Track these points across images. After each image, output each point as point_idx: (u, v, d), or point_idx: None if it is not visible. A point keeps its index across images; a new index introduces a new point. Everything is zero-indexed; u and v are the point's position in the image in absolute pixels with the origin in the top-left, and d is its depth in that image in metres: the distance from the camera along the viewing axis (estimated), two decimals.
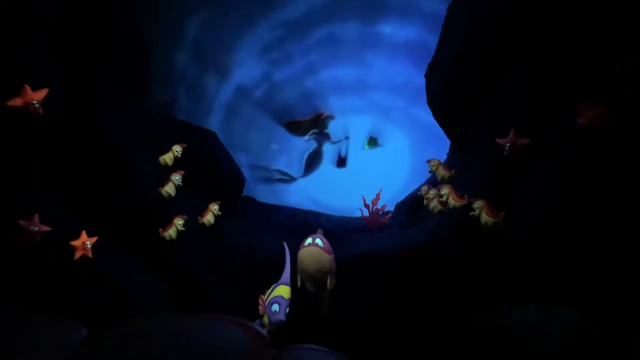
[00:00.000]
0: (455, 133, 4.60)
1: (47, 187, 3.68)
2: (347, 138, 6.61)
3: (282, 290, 3.97)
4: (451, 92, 4.22)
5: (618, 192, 3.33)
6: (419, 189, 5.02)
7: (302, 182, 6.76)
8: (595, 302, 3.60)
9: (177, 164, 4.35)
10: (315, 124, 6.31)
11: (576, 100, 3.12)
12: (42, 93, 2.96)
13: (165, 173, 4.27)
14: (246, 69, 5.62)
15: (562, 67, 3.50)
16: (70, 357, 2.32)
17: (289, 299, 3.89)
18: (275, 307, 3.79)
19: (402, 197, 5.77)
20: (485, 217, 3.60)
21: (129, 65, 4.44)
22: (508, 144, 3.41)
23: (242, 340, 2.56)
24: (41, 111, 2.94)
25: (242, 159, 5.98)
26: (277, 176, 6.71)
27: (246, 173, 5.76)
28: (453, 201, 3.97)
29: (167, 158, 4.33)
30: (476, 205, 3.67)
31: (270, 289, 4.08)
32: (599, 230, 3.42)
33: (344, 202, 6.03)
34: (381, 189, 5.39)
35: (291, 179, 6.70)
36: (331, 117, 6.34)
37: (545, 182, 3.73)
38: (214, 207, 4.58)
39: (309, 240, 3.91)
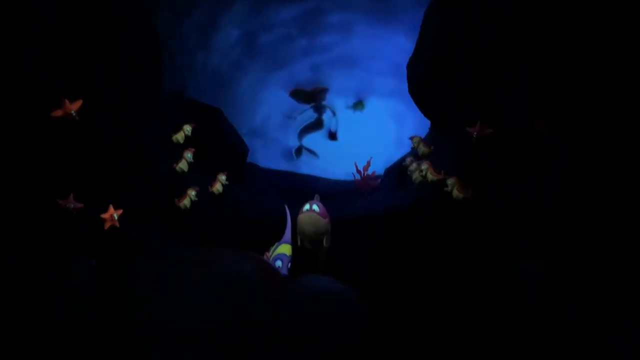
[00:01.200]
0: (434, 117, 5.05)
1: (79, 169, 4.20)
2: (334, 114, 7.01)
3: (285, 249, 4.54)
4: (428, 85, 4.63)
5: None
6: (405, 157, 5.55)
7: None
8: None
9: (188, 141, 4.91)
10: (313, 97, 6.71)
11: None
12: (77, 104, 3.49)
13: (178, 150, 4.85)
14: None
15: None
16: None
17: (290, 255, 4.45)
18: (279, 262, 4.32)
19: (392, 161, 6.29)
20: (456, 193, 4.19)
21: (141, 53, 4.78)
22: (475, 132, 3.94)
23: (254, 266, 3.10)
24: (77, 118, 3.47)
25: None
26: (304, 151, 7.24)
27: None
28: (431, 175, 4.53)
29: (179, 137, 4.87)
30: (449, 182, 4.25)
31: (274, 246, 4.67)
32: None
33: (339, 167, 6.57)
34: (371, 157, 5.92)
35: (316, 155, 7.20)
36: (326, 90, 6.72)
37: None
38: (222, 178, 5.17)
39: (307, 206, 4.46)
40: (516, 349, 3.69)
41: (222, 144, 5.60)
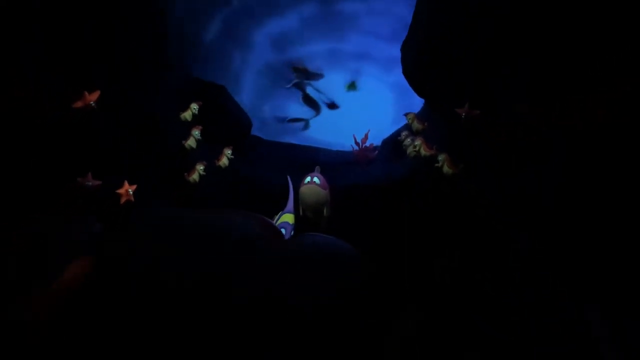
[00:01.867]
0: (427, 97, 5.28)
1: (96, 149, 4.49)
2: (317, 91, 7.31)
3: (288, 217, 4.86)
4: (422, 66, 4.84)
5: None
6: (400, 131, 5.84)
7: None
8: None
9: (195, 119, 5.19)
10: (307, 76, 6.99)
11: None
12: (95, 94, 3.78)
13: (186, 127, 5.14)
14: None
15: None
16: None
17: (293, 224, 4.75)
18: (283, 230, 4.75)
19: (389, 133, 6.58)
20: (446, 168, 4.49)
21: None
22: (464, 113, 4.23)
23: (259, 224, 3.39)
24: (96, 108, 3.76)
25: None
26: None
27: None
28: (424, 151, 4.83)
29: (187, 115, 5.16)
30: (440, 158, 4.56)
31: (278, 215, 5.05)
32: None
33: (339, 139, 6.88)
34: (369, 130, 6.20)
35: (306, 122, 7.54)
36: (321, 75, 6.98)
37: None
38: (228, 152, 5.47)
39: (308, 178, 4.78)
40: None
41: (227, 118, 5.87)
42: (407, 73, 5.15)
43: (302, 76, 7.00)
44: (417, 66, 4.95)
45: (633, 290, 3.30)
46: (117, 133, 4.51)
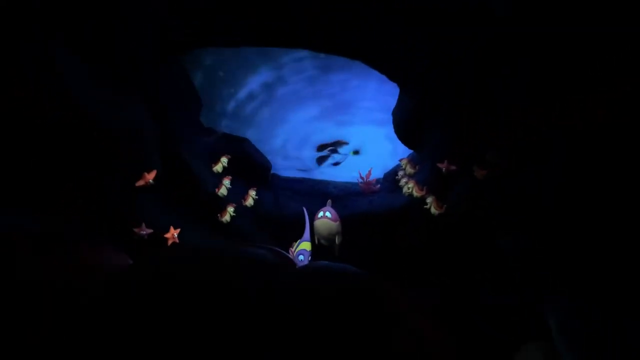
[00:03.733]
0: (414, 149, 6.22)
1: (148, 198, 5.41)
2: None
3: (305, 245, 5.67)
4: (407, 128, 5.72)
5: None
6: (398, 168, 6.79)
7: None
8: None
9: (225, 170, 6.24)
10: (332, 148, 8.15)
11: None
12: (152, 174, 4.79)
13: (218, 177, 6.18)
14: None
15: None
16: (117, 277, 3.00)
17: (310, 250, 5.61)
18: (301, 257, 5.47)
19: (390, 165, 7.54)
20: (433, 209, 5.44)
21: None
22: (444, 168, 5.19)
23: (277, 254, 3.71)
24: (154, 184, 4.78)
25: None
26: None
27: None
28: (415, 192, 5.78)
29: (218, 167, 6.19)
30: (429, 200, 5.52)
31: (297, 243, 5.97)
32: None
33: (346, 172, 7.90)
34: (371, 168, 7.16)
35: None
36: (345, 143, 8.09)
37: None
38: (252, 193, 6.50)
39: (321, 213, 5.68)
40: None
41: (251, 163, 6.91)
42: (397, 132, 6.03)
43: (327, 149, 8.13)
44: (404, 126, 5.82)
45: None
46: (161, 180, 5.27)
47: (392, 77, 4.94)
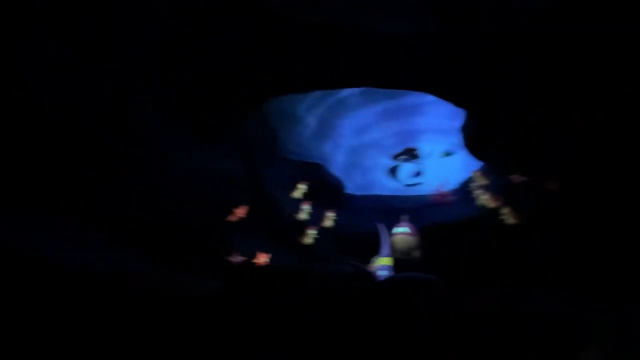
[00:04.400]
0: (485, 161, 6.33)
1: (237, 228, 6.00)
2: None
3: (385, 261, 6.06)
4: (476, 142, 5.84)
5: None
6: (471, 178, 6.90)
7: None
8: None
9: (304, 195, 6.69)
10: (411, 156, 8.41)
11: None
12: (242, 210, 5.31)
13: (298, 203, 6.64)
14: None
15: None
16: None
17: (391, 265, 6.06)
18: (385, 272, 5.91)
19: (463, 176, 7.62)
20: (509, 219, 5.55)
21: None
22: (515, 179, 5.27)
23: (357, 268, 4.18)
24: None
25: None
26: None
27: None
28: (490, 203, 5.90)
29: (297, 194, 6.66)
30: (504, 210, 5.63)
31: (376, 259, 6.26)
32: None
33: (421, 186, 8.13)
34: (445, 179, 7.34)
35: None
36: (415, 149, 8.31)
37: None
38: (330, 214, 6.91)
39: (398, 229, 5.97)
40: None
41: (325, 186, 7.32)
42: (467, 146, 6.12)
43: (407, 156, 8.40)
44: (471, 142, 5.93)
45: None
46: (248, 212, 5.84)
47: (458, 105, 5.11)
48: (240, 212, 5.29)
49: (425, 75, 4.49)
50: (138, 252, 4.48)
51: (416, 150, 8.32)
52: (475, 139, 5.63)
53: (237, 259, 5.46)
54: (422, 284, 3.22)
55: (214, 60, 4.51)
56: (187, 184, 4.86)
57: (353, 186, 8.10)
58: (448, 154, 8.04)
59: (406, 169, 8.59)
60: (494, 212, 5.78)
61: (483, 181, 6.08)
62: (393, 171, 8.65)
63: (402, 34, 4.05)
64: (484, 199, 5.89)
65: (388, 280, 4.01)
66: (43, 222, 3.62)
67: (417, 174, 8.46)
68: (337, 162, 7.96)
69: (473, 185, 6.52)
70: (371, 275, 4.53)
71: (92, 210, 4.06)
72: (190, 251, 4.98)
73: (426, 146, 8.38)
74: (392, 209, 7.45)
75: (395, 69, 4.53)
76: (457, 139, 6.59)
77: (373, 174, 8.62)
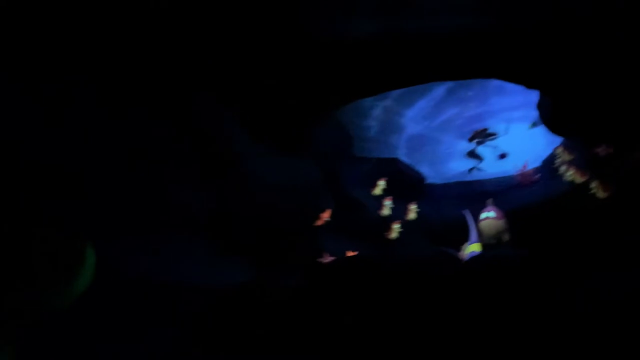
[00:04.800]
0: (565, 136, 6.11)
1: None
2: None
3: (475, 247, 6.01)
4: (554, 118, 5.68)
5: None
6: (554, 155, 6.66)
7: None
8: None
9: (385, 191, 6.89)
10: (484, 137, 8.29)
11: None
12: (327, 213, 5.65)
13: (379, 199, 6.86)
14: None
15: None
16: None
17: (481, 251, 6.03)
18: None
19: (546, 153, 7.37)
20: (600, 193, 5.33)
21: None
22: (601, 151, 5.07)
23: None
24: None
25: None
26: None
27: None
28: (577, 177, 5.68)
29: (377, 190, 6.87)
30: (593, 184, 5.41)
31: (465, 247, 6.29)
32: None
33: (501, 167, 7.96)
34: (527, 160, 7.14)
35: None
36: (495, 135, 8.18)
37: None
38: (413, 207, 7.04)
39: (485, 214, 5.91)
40: None
41: (404, 178, 7.45)
42: (545, 123, 5.99)
43: (480, 138, 8.30)
44: (549, 119, 5.79)
45: None
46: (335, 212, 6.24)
47: (529, 87, 5.05)
48: (326, 215, 5.60)
49: (491, 63, 4.53)
50: (242, 260, 5.01)
51: (488, 130, 8.13)
52: (553, 116, 5.49)
53: (328, 259, 5.77)
54: (511, 260, 3.67)
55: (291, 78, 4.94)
56: (276, 195, 5.29)
57: (432, 175, 8.16)
58: (534, 124, 7.76)
59: (486, 151, 8.45)
60: (583, 187, 5.58)
61: (567, 157, 5.88)
62: (472, 155, 8.55)
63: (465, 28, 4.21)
64: (570, 174, 5.70)
65: (476, 258, 4.31)
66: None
67: (502, 155, 8.28)
68: (410, 152, 8.05)
69: (557, 161, 6.31)
70: (458, 258, 4.66)
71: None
72: (285, 257, 5.42)
73: (502, 125, 8.19)
74: (475, 194, 7.42)
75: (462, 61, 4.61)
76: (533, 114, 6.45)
77: (450, 161, 8.60)
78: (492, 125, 8.16)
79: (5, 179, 2.93)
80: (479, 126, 8.09)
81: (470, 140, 8.30)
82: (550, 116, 5.56)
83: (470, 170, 8.43)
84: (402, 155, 7.75)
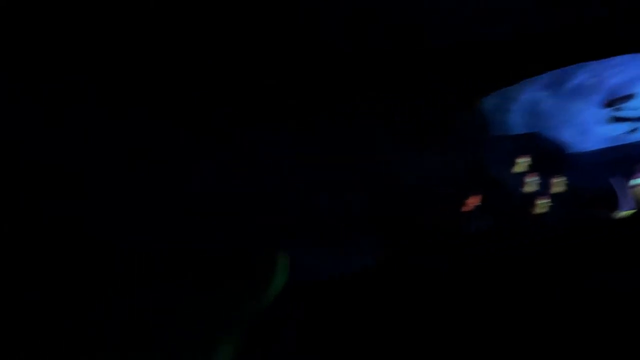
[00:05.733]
0: None
1: None
2: None
3: (629, 214, 5.94)
4: None
5: None
6: None
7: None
8: None
9: (529, 168, 6.84)
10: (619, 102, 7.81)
11: None
12: (476, 199, 5.80)
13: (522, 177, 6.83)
14: None
15: None
16: None
17: None
18: None
19: None
20: None
21: None
22: None
23: None
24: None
25: None
26: None
27: None
28: None
29: (520, 168, 6.83)
30: None
31: (617, 215, 6.08)
32: None
33: None
34: None
35: None
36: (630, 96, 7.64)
37: None
38: (557, 179, 6.88)
39: (636, 180, 5.73)
40: None
41: (546, 151, 7.30)
42: None
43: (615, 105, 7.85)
44: None
45: None
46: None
47: None
48: (473, 201, 5.74)
49: None
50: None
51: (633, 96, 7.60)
52: None
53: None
54: None
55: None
56: (423, 188, 5.50)
57: (575, 144, 7.84)
58: None
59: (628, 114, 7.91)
60: None
61: None
62: (618, 119, 8.05)
63: None
64: None
65: None
66: None
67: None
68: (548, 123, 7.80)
69: None
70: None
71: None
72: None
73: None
74: (622, 159, 7.07)
75: None
76: None
77: (591, 128, 8.18)
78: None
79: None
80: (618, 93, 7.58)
81: (607, 106, 7.81)
82: None
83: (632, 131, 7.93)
84: (538, 128, 7.53)
